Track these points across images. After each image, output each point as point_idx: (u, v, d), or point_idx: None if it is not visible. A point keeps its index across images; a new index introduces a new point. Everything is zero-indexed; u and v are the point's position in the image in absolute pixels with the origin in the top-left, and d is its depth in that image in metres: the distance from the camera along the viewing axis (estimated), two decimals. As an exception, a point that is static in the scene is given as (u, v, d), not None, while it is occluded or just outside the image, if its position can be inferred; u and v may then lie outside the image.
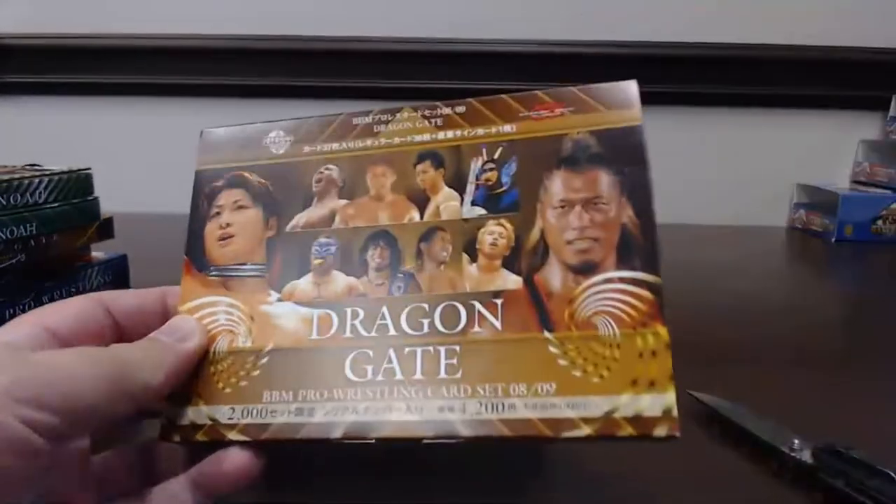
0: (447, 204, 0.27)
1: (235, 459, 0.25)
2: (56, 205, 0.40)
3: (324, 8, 0.98)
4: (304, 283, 0.28)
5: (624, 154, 0.25)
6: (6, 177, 0.37)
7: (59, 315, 0.25)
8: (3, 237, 0.36)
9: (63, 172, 0.41)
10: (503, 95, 0.28)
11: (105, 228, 0.45)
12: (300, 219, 0.29)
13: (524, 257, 0.25)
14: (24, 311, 0.37)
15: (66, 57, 0.99)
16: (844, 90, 1.00)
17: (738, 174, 1.04)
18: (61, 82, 1.01)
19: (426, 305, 0.25)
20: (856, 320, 0.61)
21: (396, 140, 0.28)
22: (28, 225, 0.38)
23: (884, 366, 0.47)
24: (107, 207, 0.45)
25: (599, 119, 0.26)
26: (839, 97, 1.01)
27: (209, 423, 0.26)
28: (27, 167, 0.42)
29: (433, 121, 0.28)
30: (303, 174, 0.29)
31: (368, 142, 0.29)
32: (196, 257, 0.29)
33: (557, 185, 0.25)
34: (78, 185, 0.42)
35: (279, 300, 0.28)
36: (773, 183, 1.04)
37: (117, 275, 0.46)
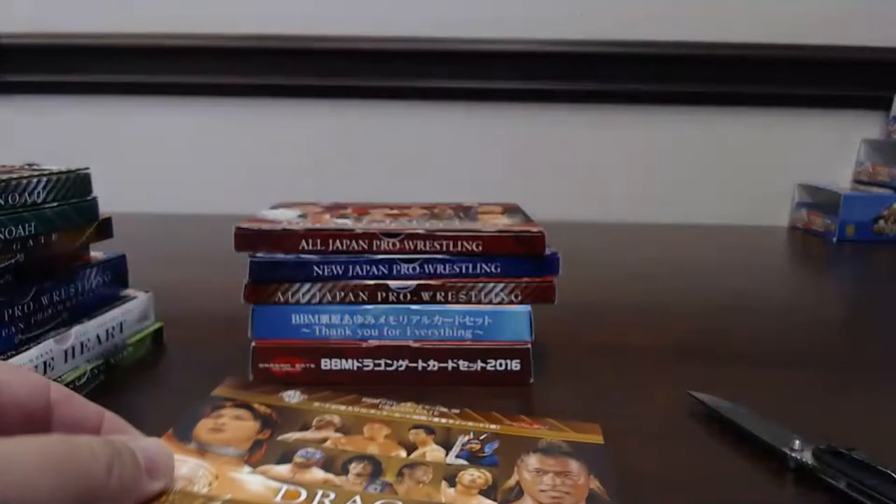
0: (433, 453, 0.30)
1: None
2: (55, 205, 0.40)
3: (324, 8, 0.98)
4: (281, 468, 0.28)
5: (590, 453, 0.30)
6: (4, 176, 0.37)
7: None
8: (2, 237, 0.36)
9: (62, 172, 0.40)
10: (493, 412, 0.34)
11: (104, 228, 0.45)
12: (293, 436, 0.31)
13: (500, 492, 0.27)
14: (22, 312, 0.38)
15: (65, 57, 0.99)
16: (846, 89, 1.00)
17: (738, 174, 1.04)
18: (61, 82, 1.01)
19: (400, 503, 0.26)
20: (857, 320, 0.61)
21: (397, 415, 0.33)
22: (27, 225, 0.38)
23: (884, 366, 0.47)
24: (105, 207, 0.45)
25: (569, 435, 0.32)
26: (841, 97, 1.00)
27: None
28: (26, 167, 0.42)
29: (431, 412, 0.34)
30: (307, 416, 0.33)
31: (372, 411, 0.34)
32: (181, 431, 0.30)
33: (533, 461, 0.30)
34: (76, 184, 0.41)
35: (251, 473, 0.28)
36: (775, 182, 1.04)
37: (116, 274, 0.46)
